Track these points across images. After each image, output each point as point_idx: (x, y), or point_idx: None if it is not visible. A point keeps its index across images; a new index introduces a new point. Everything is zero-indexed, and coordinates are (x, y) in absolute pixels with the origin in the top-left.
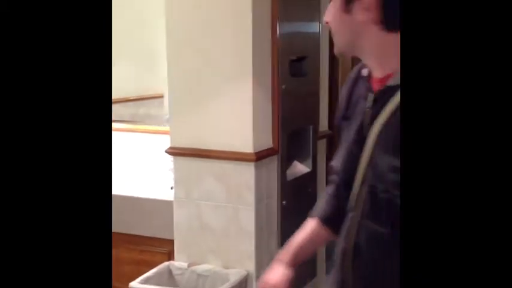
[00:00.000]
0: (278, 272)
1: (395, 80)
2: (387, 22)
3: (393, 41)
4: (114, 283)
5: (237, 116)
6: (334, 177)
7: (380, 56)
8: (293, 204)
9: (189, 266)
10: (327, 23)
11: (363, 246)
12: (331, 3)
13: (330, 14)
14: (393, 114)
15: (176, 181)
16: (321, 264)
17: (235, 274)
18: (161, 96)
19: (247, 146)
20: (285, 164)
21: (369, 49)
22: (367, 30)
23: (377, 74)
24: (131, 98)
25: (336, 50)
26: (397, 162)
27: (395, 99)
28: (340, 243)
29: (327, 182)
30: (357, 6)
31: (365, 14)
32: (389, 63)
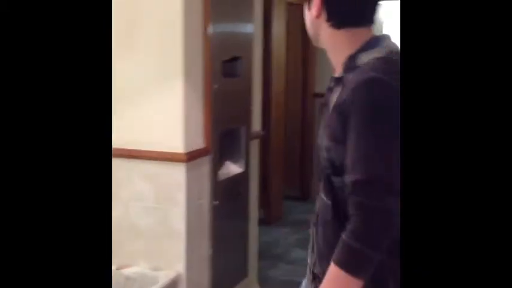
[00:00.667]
0: None
1: (339, 73)
2: (332, 20)
3: (342, 37)
4: None
5: (168, 117)
6: None
7: (332, 50)
8: (225, 204)
9: (117, 268)
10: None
11: (319, 216)
12: None
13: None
14: (332, 103)
15: None
16: (253, 264)
17: (164, 276)
18: None
19: (178, 146)
20: (217, 164)
21: (325, 42)
22: (321, 25)
23: (334, 65)
24: None
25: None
26: (327, 143)
27: (335, 91)
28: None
29: None
30: (312, 4)
31: (316, 11)
32: (338, 56)
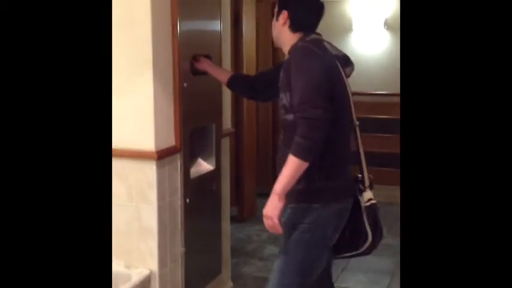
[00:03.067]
0: (274, 204)
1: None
2: (292, 27)
3: (294, 36)
4: None
5: (138, 114)
6: None
7: (286, 45)
8: (197, 202)
9: None
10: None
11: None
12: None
13: (273, 23)
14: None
15: None
16: (226, 261)
17: (137, 274)
18: None
19: (148, 144)
20: (188, 162)
21: (282, 41)
22: (283, 30)
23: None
24: None
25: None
26: (281, 96)
27: (284, 66)
28: None
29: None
30: (280, 17)
31: (283, 19)
32: (288, 47)
